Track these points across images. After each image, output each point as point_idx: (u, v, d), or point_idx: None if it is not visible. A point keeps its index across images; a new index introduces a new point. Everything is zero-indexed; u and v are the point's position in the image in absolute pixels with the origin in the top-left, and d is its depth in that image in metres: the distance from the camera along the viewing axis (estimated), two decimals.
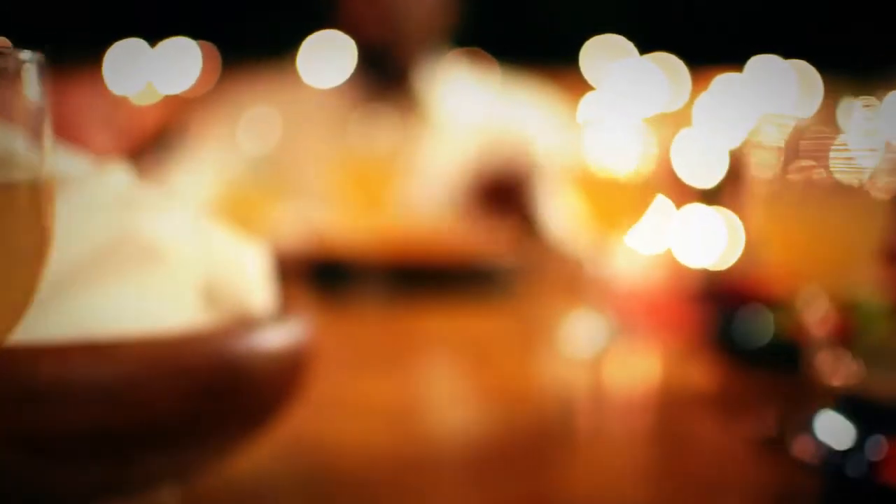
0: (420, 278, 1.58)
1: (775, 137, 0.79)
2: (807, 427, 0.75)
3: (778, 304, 1.17)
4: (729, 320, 1.20)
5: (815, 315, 0.79)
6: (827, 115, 0.81)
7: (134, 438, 0.53)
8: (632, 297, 1.41)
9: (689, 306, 1.33)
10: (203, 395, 0.55)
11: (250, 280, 0.62)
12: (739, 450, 0.84)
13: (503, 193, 1.88)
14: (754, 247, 1.91)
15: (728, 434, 0.90)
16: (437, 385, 1.06)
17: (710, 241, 1.90)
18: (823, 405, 0.76)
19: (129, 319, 0.54)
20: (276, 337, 0.59)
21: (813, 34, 3.37)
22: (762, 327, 1.16)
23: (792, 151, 0.77)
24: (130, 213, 0.54)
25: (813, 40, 3.17)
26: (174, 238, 0.57)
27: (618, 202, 1.27)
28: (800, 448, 0.71)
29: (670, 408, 1.03)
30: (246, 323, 0.59)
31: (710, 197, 2.09)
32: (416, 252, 1.64)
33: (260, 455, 0.70)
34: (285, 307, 0.64)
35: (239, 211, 1.36)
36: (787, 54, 2.96)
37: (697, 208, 1.93)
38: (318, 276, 1.62)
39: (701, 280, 1.48)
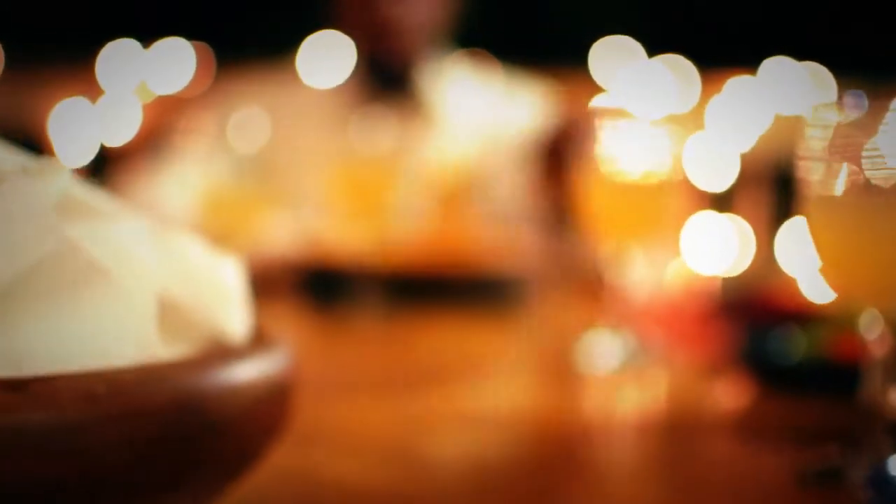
0: (422, 289, 1.48)
1: (824, 140, 0.69)
2: (874, 462, 0.65)
3: (812, 320, 1.07)
4: (758, 337, 1.10)
5: (870, 335, 0.69)
6: (874, 116, 0.71)
7: (76, 496, 0.44)
8: (652, 311, 1.32)
9: (713, 321, 1.24)
10: (161, 441, 0.45)
11: (221, 302, 0.53)
12: (778, 484, 0.75)
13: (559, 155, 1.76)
14: (767, 255, 1.83)
15: (763, 465, 0.81)
16: (439, 412, 0.97)
17: (722, 249, 1.82)
18: (887, 437, 0.67)
19: (67, 352, 0.44)
20: (252, 370, 0.50)
21: (824, 35, 3.32)
22: (795, 345, 1.06)
23: (845, 155, 0.68)
24: (70, 223, 0.45)
25: (824, 41, 3.12)
26: (125, 252, 0.47)
27: (637, 207, 1.18)
28: (865, 486, 0.62)
29: (694, 433, 0.94)
30: (215, 354, 0.50)
31: (721, 203, 2.01)
32: (419, 261, 1.55)
33: (241, 496, 0.61)
34: (263, 332, 0.55)
35: (228, 216, 1.27)
36: (799, 56, 2.92)
37: (709, 215, 1.85)
38: (312, 286, 1.53)
39: (724, 292, 1.38)
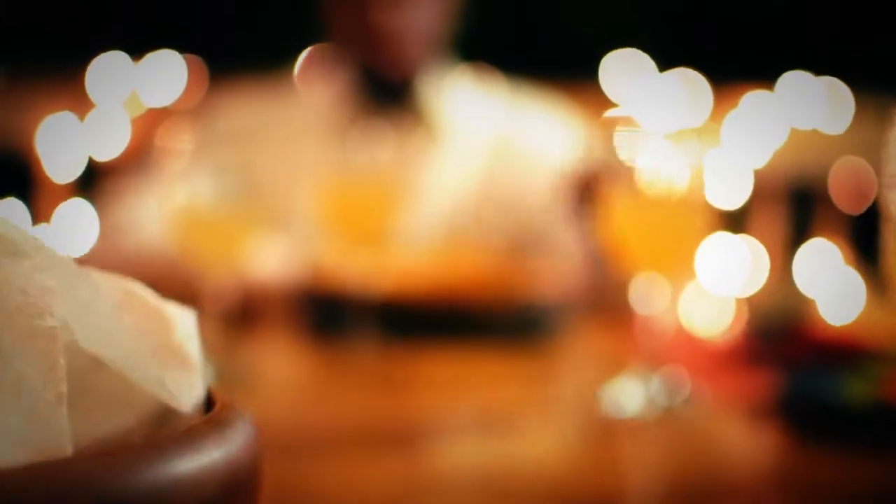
0: (428, 322, 1.36)
1: None
2: None
3: (867, 357, 0.95)
4: (801, 377, 0.98)
5: None
6: None
7: None
8: (681, 346, 1.20)
9: (747, 358, 1.11)
10: None
11: (166, 365, 0.41)
12: None
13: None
14: (784, 277, 1.72)
15: None
16: (445, 471, 0.85)
17: (735, 271, 1.72)
18: None
19: None
20: (201, 460, 0.38)
21: (841, 49, 3.25)
22: (846, 387, 0.94)
23: None
24: None
25: (840, 55, 3.04)
26: (29, 304, 0.35)
27: (662, 228, 1.06)
28: None
29: (730, 495, 0.82)
30: (148, 441, 0.38)
31: (734, 221, 1.92)
32: (425, 291, 1.42)
33: None
34: (221, 404, 0.43)
35: (210, 238, 1.16)
36: (816, 70, 2.82)
37: (722, 235, 1.76)
38: (308, 316, 1.41)
39: (755, 323, 1.26)
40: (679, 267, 1.09)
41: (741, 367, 1.10)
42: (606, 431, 0.99)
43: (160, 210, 1.22)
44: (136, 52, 2.49)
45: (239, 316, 1.31)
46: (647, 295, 1.06)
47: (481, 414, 1.05)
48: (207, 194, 1.12)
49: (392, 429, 0.98)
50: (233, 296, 1.19)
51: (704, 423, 1.01)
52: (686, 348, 1.20)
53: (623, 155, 1.08)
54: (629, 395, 1.03)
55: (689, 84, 2.83)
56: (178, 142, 1.13)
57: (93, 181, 2.14)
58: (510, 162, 1.93)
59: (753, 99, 2.52)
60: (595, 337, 1.46)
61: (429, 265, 1.53)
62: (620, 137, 1.09)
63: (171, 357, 0.42)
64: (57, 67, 2.44)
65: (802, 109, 2.70)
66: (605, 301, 1.54)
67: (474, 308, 1.39)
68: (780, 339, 1.15)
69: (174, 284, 1.48)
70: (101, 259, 1.52)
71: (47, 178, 2.17)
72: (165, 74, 2.42)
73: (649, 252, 1.07)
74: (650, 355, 1.04)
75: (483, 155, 1.94)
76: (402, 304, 1.39)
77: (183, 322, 0.42)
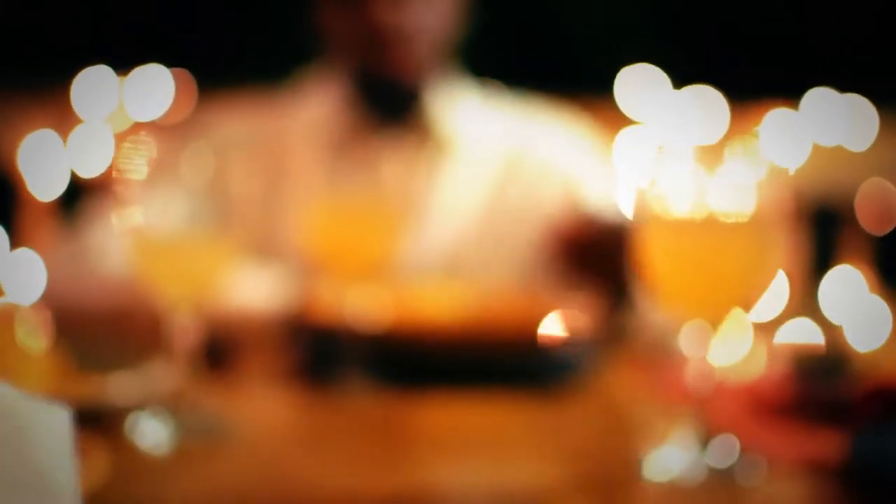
0: (434, 363, 1.22)
1: None
2: None
3: None
4: (872, 433, 0.84)
5: None
6: None
7: None
8: (728, 394, 1.06)
9: (804, 408, 0.97)
10: None
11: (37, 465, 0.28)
12: None
13: (589, 251, 1.49)
14: (808, 301, 1.60)
15: None
16: None
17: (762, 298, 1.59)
18: None
19: None
20: None
21: (863, 65, 3.19)
22: None
23: None
24: None
25: (864, 72, 3.01)
26: None
27: (702, 257, 0.92)
28: None
29: None
30: None
31: None
32: (429, 325, 1.28)
33: None
34: None
35: (175, 266, 1.01)
36: (838, 87, 2.75)
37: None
38: (293, 356, 1.27)
39: (804, 366, 1.11)
40: (728, 303, 0.94)
41: (793, 420, 0.96)
42: (640, 496, 0.85)
43: (119, 236, 1.08)
44: (123, 66, 2.41)
45: (212, 355, 1.17)
46: (689, 337, 0.93)
47: (496, 482, 0.91)
48: (176, 217, 0.98)
49: (386, 497, 0.83)
50: (202, 332, 1.05)
51: (760, 487, 0.87)
52: (732, 398, 1.05)
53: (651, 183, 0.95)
54: (674, 455, 0.89)
55: (705, 101, 2.81)
56: (142, 159, 0.99)
57: (77, 199, 2.06)
58: (523, 179, 1.79)
59: (776, 116, 2.46)
60: (628, 382, 1.30)
61: (434, 297, 1.38)
62: (649, 161, 0.95)
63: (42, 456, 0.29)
64: (40, 83, 2.43)
65: (825, 126, 2.67)
66: (637, 340, 1.40)
67: (486, 347, 1.25)
68: (831, 386, 1.01)
69: (137, 321, 1.35)
70: (63, 289, 1.39)
71: (30, 195, 2.05)
72: (153, 89, 2.36)
73: (686, 285, 0.94)
74: (696, 408, 0.90)
75: (494, 172, 1.80)
76: (402, 341, 1.25)
77: (57, 420, 0.29)
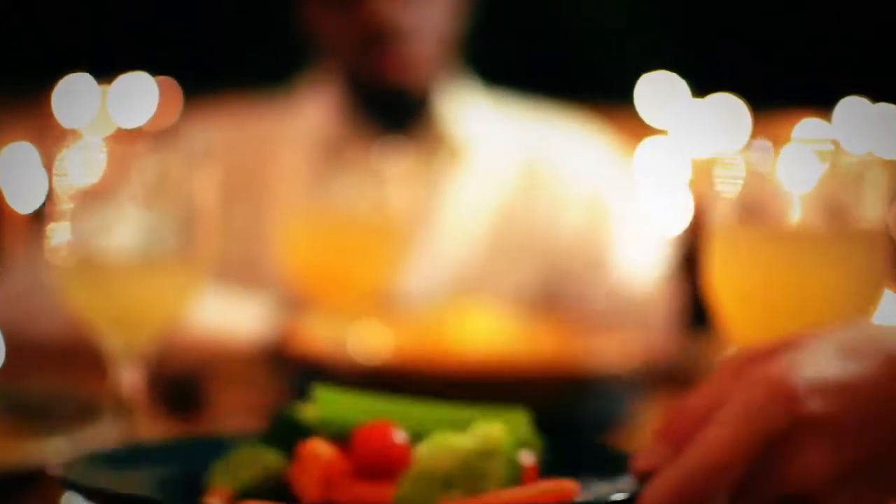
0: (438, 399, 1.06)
1: None
2: None
3: None
4: None
5: None
6: None
7: None
8: None
9: None
10: None
11: None
12: None
13: None
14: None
15: None
16: None
17: None
18: None
19: None
20: None
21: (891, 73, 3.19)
22: None
23: None
24: None
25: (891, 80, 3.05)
26: None
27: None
28: None
29: None
30: None
31: None
32: (433, 356, 1.14)
33: None
34: None
35: (141, 304, 0.85)
36: (871, 96, 2.82)
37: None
38: (274, 392, 1.15)
39: None
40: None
41: None
42: None
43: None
44: (107, 74, 2.44)
45: (174, 391, 1.03)
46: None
47: None
48: (123, 238, 0.82)
49: None
50: (162, 365, 0.90)
51: None
52: None
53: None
54: None
55: (728, 108, 2.80)
56: (89, 168, 0.84)
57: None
58: (540, 190, 1.66)
59: (809, 127, 2.41)
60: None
61: (440, 324, 1.24)
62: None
63: None
64: (19, 92, 2.40)
65: (855, 136, 2.72)
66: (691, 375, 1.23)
67: (502, 382, 1.09)
68: None
69: (84, 356, 1.22)
70: (9, 317, 1.27)
71: (8, 208, 2.16)
72: (137, 97, 2.39)
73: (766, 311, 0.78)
74: None
75: (508, 183, 1.67)
76: (401, 375, 1.10)
77: None
